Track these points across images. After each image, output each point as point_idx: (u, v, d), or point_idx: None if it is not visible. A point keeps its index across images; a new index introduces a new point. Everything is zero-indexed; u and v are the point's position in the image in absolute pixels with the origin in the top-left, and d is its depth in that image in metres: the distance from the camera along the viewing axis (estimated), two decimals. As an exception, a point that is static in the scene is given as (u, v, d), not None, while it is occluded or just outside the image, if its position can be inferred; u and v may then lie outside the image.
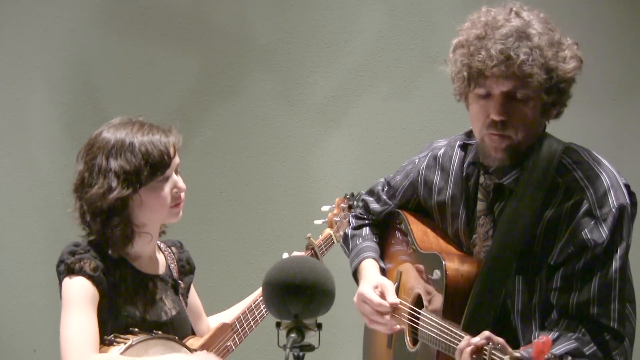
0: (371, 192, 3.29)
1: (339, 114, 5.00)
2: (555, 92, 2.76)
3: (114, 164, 2.90)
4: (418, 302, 2.97)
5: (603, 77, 4.83)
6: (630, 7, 4.94)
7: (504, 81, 2.73)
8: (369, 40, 4.83)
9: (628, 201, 2.74)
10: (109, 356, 2.80)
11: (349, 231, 3.30)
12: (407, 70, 4.75)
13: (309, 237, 3.42)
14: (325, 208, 3.58)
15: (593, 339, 2.66)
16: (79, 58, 4.90)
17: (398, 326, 2.99)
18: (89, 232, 2.95)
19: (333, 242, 3.51)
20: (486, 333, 2.56)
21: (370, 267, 3.13)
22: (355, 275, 3.16)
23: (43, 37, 4.86)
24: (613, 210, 2.71)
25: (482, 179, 2.91)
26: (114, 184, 2.88)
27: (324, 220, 3.56)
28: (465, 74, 2.79)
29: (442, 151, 3.06)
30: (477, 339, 2.55)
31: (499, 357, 2.48)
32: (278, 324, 2.27)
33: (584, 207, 2.71)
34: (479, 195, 2.91)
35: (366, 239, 3.23)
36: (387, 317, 2.98)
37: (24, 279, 4.71)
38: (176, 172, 2.98)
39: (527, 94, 2.73)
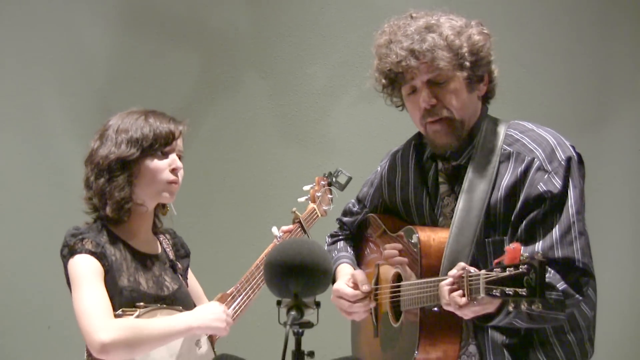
0: (344, 212, 3.35)
1: (335, 101, 5.00)
2: (469, 67, 2.81)
3: (123, 133, 2.96)
4: (397, 280, 2.97)
5: (574, 110, 5.03)
6: (595, 50, 5.09)
7: (420, 73, 2.81)
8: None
9: (574, 153, 2.80)
10: (125, 319, 2.82)
11: (325, 248, 3.28)
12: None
13: (294, 211, 3.43)
14: (306, 187, 3.61)
15: (563, 278, 2.67)
16: (87, 57, 4.92)
17: (373, 304, 3.04)
18: (90, 195, 2.97)
19: (317, 215, 3.54)
20: (461, 264, 2.61)
21: (344, 269, 3.17)
22: (333, 280, 3.15)
23: (55, 37, 4.97)
24: (562, 162, 2.75)
25: (440, 165, 2.96)
26: (120, 146, 2.94)
27: (306, 197, 3.59)
28: (384, 80, 2.89)
29: (399, 153, 3.13)
30: (454, 271, 2.61)
31: (474, 277, 2.52)
32: (279, 302, 2.25)
33: (536, 164, 2.76)
34: (440, 180, 2.96)
35: (341, 251, 3.26)
36: (362, 304, 3.02)
37: (38, 260, 4.73)
38: (179, 158, 3.02)
39: (443, 76, 2.80)
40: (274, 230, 3.32)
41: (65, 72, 4.93)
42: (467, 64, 2.81)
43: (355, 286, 3.03)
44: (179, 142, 3.01)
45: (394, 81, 2.88)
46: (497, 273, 2.43)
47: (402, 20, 2.88)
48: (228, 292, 3.12)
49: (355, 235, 3.30)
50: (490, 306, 2.59)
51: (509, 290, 2.40)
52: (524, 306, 2.40)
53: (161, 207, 3.12)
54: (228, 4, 5.08)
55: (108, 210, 2.94)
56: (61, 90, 4.94)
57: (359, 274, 3.07)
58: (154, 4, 5.02)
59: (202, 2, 5.06)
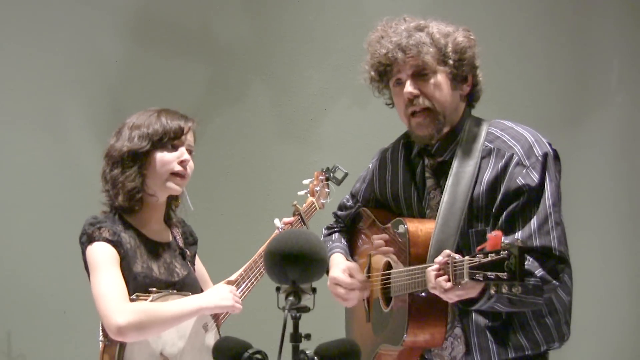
0: (339, 207, 3.37)
1: (329, 102, 5.04)
2: (452, 65, 2.86)
3: (136, 128, 3.00)
4: (388, 268, 2.99)
5: (553, 110, 5.05)
6: (572, 54, 5.11)
7: (405, 66, 2.86)
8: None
9: (550, 150, 2.82)
10: (140, 303, 2.86)
11: (321, 239, 3.30)
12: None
13: (295, 205, 3.46)
14: (306, 181, 3.64)
15: (541, 265, 2.70)
16: (102, 62, 4.96)
17: (367, 293, 3.06)
18: (106, 187, 3.00)
19: (316, 208, 3.58)
20: (446, 251, 2.63)
21: (337, 258, 3.19)
22: (327, 269, 3.16)
23: (74, 44, 4.99)
24: (539, 158, 2.77)
25: (426, 161, 2.99)
26: (133, 140, 2.97)
27: (306, 190, 3.62)
28: (374, 73, 2.93)
29: (389, 151, 3.15)
30: (440, 258, 2.63)
31: (459, 262, 2.55)
32: (278, 289, 2.27)
33: (515, 160, 2.78)
34: (427, 175, 2.98)
35: (335, 242, 3.28)
36: (358, 292, 3.05)
37: (54, 249, 4.73)
38: (189, 154, 3.04)
39: (427, 69, 2.84)
40: (276, 221, 3.35)
41: (82, 75, 4.93)
42: (451, 61, 2.85)
43: (351, 275, 3.06)
44: (189, 138, 3.05)
45: (383, 74, 2.91)
46: (479, 259, 2.46)
47: (394, 21, 2.94)
48: (233, 278, 3.15)
49: (349, 227, 3.32)
50: (473, 291, 2.63)
51: (491, 275, 2.43)
52: (504, 289, 2.42)
53: (174, 200, 3.15)
54: (231, 15, 5.09)
55: (120, 199, 2.96)
56: (78, 92, 4.93)
57: (354, 265, 3.10)
58: (164, 15, 5.03)
59: (208, 13, 5.06)
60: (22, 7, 4.91)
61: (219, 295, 2.99)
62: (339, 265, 3.11)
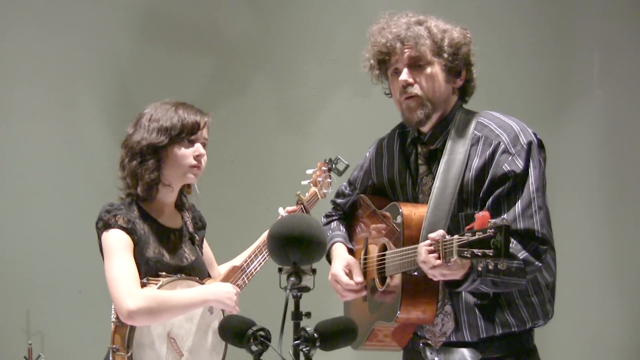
0: (337, 194, 3.35)
1: (328, 94, 5.03)
2: (447, 57, 2.86)
3: (154, 121, 2.99)
4: (383, 250, 3.00)
5: (538, 102, 5.03)
6: (556, 50, 5.10)
7: (403, 56, 2.87)
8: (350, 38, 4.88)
9: (535, 139, 2.82)
10: (150, 290, 2.85)
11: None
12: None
13: (298, 194, 3.44)
14: (309, 171, 3.60)
15: (524, 247, 2.70)
16: (114, 56, 4.97)
17: (364, 293, 3.04)
18: (124, 175, 3.00)
19: (318, 198, 3.54)
20: (441, 231, 2.64)
21: (339, 248, 3.17)
22: (328, 257, 3.17)
23: (88, 40, 4.95)
24: (524, 146, 2.78)
25: (419, 149, 2.99)
26: (151, 133, 2.96)
27: (309, 180, 3.58)
28: (373, 61, 2.94)
29: (385, 140, 3.14)
30: (434, 234, 2.64)
31: (449, 241, 2.56)
32: (280, 270, 2.28)
33: (501, 147, 2.79)
34: (420, 161, 2.98)
35: (335, 230, 3.26)
36: (353, 292, 3.04)
37: (70, 232, 4.74)
38: (203, 147, 3.04)
39: (423, 59, 2.86)
40: (280, 210, 3.31)
41: (95, 69, 4.90)
42: (445, 54, 2.86)
43: (350, 274, 3.05)
44: (204, 132, 3.04)
45: (382, 62, 2.93)
46: (468, 237, 2.47)
47: (397, 15, 2.95)
48: (238, 264, 3.15)
49: (348, 214, 3.30)
50: (457, 273, 2.64)
51: (478, 252, 2.43)
52: (490, 266, 2.45)
53: (187, 187, 3.14)
54: (235, 12, 5.07)
55: (139, 189, 2.96)
56: (91, 85, 4.91)
57: (354, 262, 3.09)
58: (172, 12, 5.01)
59: (213, 11, 5.06)
60: (38, 6, 4.91)
61: (225, 293, 2.99)
62: (341, 260, 3.10)
